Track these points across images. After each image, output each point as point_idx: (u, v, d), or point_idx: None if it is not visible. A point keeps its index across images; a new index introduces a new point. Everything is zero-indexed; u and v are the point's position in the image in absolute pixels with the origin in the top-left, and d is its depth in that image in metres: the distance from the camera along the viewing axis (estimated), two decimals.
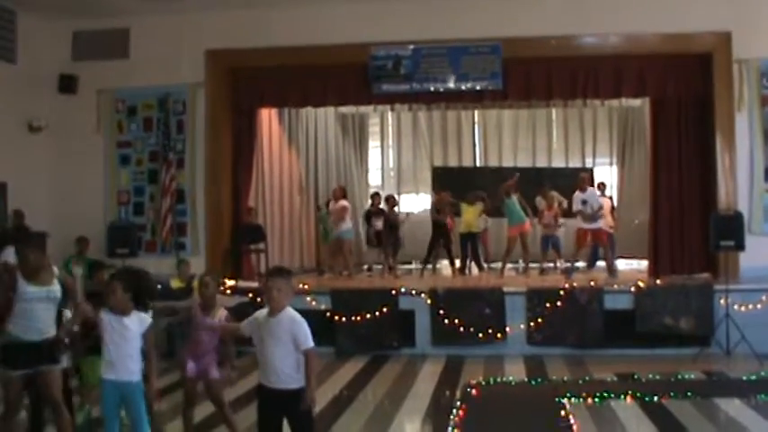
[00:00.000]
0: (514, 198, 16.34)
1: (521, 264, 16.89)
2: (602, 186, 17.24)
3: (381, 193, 18.56)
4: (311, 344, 5.82)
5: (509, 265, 17.20)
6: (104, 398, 6.50)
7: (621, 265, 17.27)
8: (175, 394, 9.15)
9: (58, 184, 14.96)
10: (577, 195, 15.34)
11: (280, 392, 5.80)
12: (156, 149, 15.11)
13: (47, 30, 14.97)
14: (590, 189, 15.52)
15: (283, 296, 5.86)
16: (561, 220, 17.43)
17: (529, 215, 16.64)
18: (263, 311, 5.97)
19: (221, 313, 7.54)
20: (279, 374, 5.77)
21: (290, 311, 5.88)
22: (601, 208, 15.32)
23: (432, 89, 14.88)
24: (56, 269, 7.22)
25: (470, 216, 17.18)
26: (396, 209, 17.22)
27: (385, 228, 16.79)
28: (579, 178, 15.81)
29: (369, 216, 17.51)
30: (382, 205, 17.37)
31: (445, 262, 17.57)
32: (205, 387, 7.65)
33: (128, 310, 6.44)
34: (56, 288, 7.03)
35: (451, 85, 14.76)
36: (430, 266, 17.51)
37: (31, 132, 14.81)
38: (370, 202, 17.82)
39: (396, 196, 18.56)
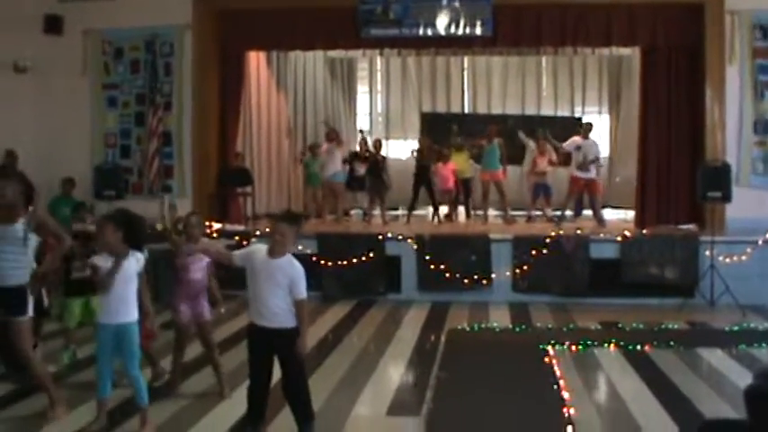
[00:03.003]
0: (495, 144, 16.26)
1: (509, 211, 16.80)
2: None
3: (368, 138, 18.43)
4: (305, 295, 6.03)
5: (495, 213, 17.20)
6: (99, 340, 6.51)
7: (609, 214, 17.32)
8: (160, 336, 9.16)
9: (44, 126, 14.78)
10: (575, 140, 15.44)
11: (273, 331, 5.96)
12: (143, 92, 14.95)
13: None
14: (591, 139, 15.59)
15: (289, 241, 6.01)
16: (550, 169, 17.37)
17: (504, 165, 16.52)
18: (261, 248, 6.08)
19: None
20: (274, 314, 5.94)
21: (290, 257, 6.03)
22: (595, 160, 15.31)
23: (421, 34, 14.78)
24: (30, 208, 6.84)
25: (460, 162, 17.09)
26: (381, 153, 17.07)
27: (372, 172, 16.61)
28: (584, 126, 15.99)
29: (352, 160, 17.35)
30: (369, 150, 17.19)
31: (430, 208, 17.49)
32: (197, 328, 7.68)
33: (121, 251, 6.40)
34: (16, 227, 6.61)
35: (441, 30, 14.66)
36: (416, 212, 17.39)
37: (17, 72, 14.60)
38: (357, 147, 17.64)
39: (382, 140, 18.42)
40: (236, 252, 6.30)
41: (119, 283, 6.35)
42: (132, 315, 6.47)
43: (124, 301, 6.40)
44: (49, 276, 7.27)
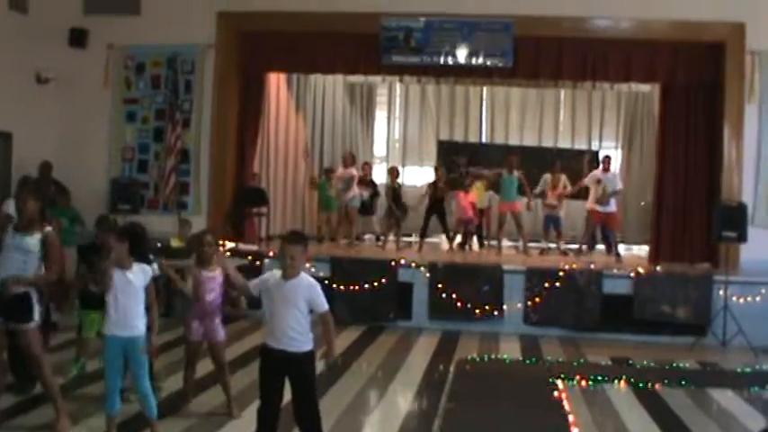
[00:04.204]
0: (514, 176, 16.21)
1: (521, 242, 16.78)
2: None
3: (371, 162, 18.58)
4: (327, 306, 6.09)
5: (509, 243, 17.17)
6: (107, 352, 6.53)
7: (621, 250, 17.29)
8: (172, 352, 9.18)
9: (64, 138, 14.87)
10: (596, 173, 15.47)
11: (288, 355, 5.94)
12: (162, 108, 15.06)
13: None
14: (612, 172, 15.68)
15: (300, 261, 6.00)
16: (561, 203, 17.30)
17: (527, 195, 16.40)
18: (275, 274, 6.03)
19: (218, 271, 7.55)
20: (290, 337, 5.92)
21: (305, 276, 6.03)
22: (615, 193, 15.25)
23: (441, 63, 14.83)
24: (48, 228, 7.00)
25: (476, 192, 17.05)
26: (398, 180, 17.02)
27: (392, 199, 16.53)
28: (604, 159, 16.07)
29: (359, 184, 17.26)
30: (375, 176, 17.18)
31: (443, 236, 17.42)
32: (209, 348, 7.67)
33: (128, 262, 6.43)
34: (30, 241, 6.80)
35: (461, 59, 14.70)
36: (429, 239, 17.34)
37: (39, 84, 14.69)
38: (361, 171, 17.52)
39: (399, 168, 18.40)
40: (252, 282, 6.24)
41: (124, 295, 6.39)
42: (139, 329, 6.49)
43: (131, 314, 6.43)
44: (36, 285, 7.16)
